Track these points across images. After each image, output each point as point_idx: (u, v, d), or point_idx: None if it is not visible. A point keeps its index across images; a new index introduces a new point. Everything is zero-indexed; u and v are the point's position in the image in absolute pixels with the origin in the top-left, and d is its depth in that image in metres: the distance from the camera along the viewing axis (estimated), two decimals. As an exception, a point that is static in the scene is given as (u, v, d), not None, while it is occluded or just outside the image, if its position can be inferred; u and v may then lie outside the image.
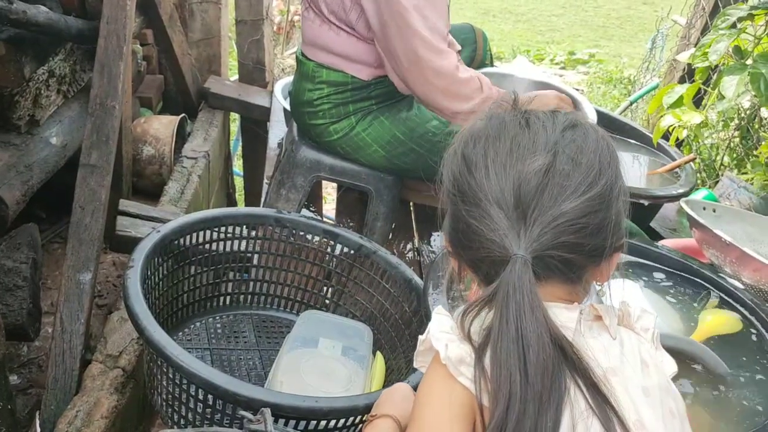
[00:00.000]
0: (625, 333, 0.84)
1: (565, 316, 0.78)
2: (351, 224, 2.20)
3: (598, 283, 0.85)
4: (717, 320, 1.45)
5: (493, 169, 0.79)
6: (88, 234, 1.68)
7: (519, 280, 0.74)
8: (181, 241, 1.61)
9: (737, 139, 2.84)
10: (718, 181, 2.56)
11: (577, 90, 2.49)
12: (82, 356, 1.58)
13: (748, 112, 2.80)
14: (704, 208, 1.83)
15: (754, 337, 1.41)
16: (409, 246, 2.16)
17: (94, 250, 1.66)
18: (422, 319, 1.47)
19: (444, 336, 0.80)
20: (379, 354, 1.60)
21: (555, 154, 0.78)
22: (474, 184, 0.80)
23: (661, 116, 1.97)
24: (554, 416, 0.71)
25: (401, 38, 1.64)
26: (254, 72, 3.15)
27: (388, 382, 1.55)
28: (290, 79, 2.67)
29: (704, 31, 2.72)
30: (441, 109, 1.74)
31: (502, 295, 0.75)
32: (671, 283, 1.57)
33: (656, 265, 1.61)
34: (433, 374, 0.80)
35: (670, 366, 0.85)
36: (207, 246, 1.67)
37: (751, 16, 1.78)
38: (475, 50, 2.17)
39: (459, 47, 2.00)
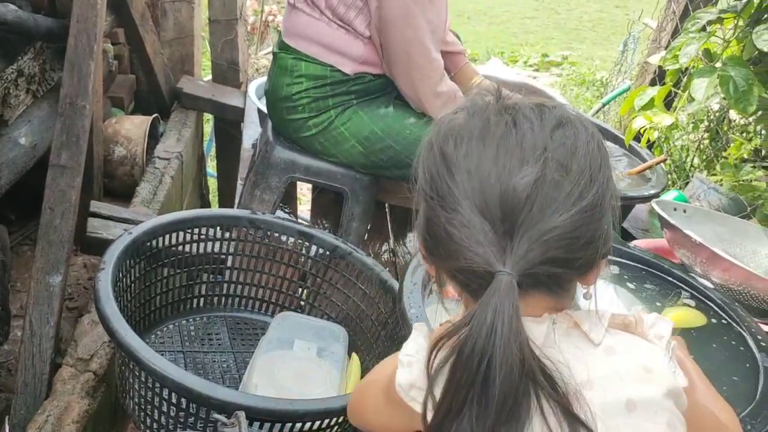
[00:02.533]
0: (625, 338, 0.79)
1: (534, 332, 0.74)
2: (326, 225, 2.19)
3: (583, 287, 0.79)
4: (680, 315, 1.47)
5: (477, 175, 0.72)
6: (58, 236, 1.65)
7: (501, 303, 0.69)
8: (154, 242, 1.59)
9: (706, 141, 2.89)
10: (688, 182, 2.60)
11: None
12: (53, 360, 1.55)
13: (717, 114, 2.85)
14: (675, 209, 1.86)
15: (725, 336, 1.43)
16: (384, 247, 2.16)
17: (64, 252, 1.64)
18: (398, 320, 1.47)
19: (405, 359, 0.81)
20: (354, 355, 1.60)
21: (545, 161, 0.71)
22: (455, 189, 0.73)
23: (633, 118, 1.99)
24: None
25: (401, 39, 1.70)
26: (228, 72, 3.13)
27: (363, 384, 1.54)
28: (265, 79, 2.65)
29: (675, 34, 2.76)
30: (428, 108, 1.82)
31: (478, 318, 0.69)
32: (642, 282, 1.58)
33: (629, 263, 1.63)
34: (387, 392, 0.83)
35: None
36: (180, 248, 1.65)
37: (720, 20, 1.81)
38: None
39: (461, 46, 2.03)
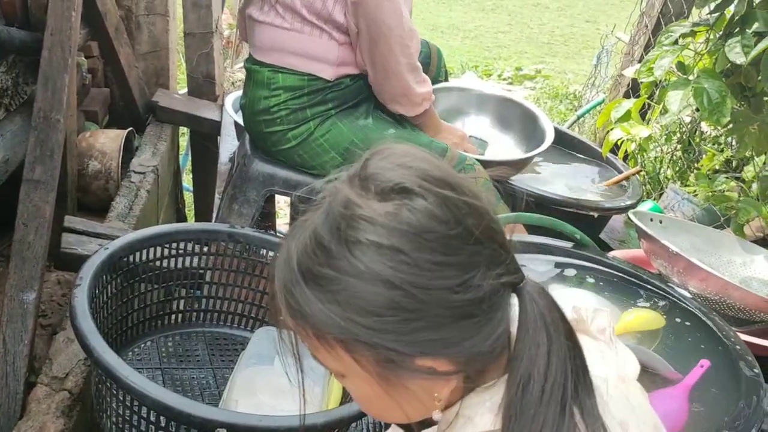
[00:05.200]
0: (588, 344, 0.77)
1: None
2: (305, 239, 2.18)
3: None
4: (639, 318, 1.49)
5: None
6: (32, 252, 1.61)
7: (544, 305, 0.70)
8: (131, 258, 1.57)
9: (679, 153, 2.94)
10: (662, 193, 2.64)
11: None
12: (26, 379, 1.51)
13: (689, 126, 2.90)
14: (651, 220, 1.88)
15: (701, 345, 1.45)
16: (363, 260, 2.15)
17: (38, 269, 1.60)
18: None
19: None
20: (335, 370, 1.58)
21: None
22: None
23: (610, 130, 2.01)
24: None
25: (381, 10, 1.69)
26: (204, 85, 3.10)
27: (345, 399, 1.53)
28: (241, 92, 2.64)
29: (647, 47, 2.81)
30: (406, 88, 1.81)
31: (530, 337, 0.69)
32: (620, 291, 1.60)
33: (607, 270, 1.64)
34: None
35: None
36: (158, 263, 1.63)
37: (693, 33, 1.84)
38: (428, 66, 2.19)
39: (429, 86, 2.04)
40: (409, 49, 1.78)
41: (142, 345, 1.65)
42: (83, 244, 1.94)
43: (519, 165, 2.10)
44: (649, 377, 1.32)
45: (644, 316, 1.50)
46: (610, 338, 0.81)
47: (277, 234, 2.06)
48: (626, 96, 2.81)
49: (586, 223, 1.99)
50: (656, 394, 1.25)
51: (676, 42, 1.85)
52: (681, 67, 1.87)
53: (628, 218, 2.08)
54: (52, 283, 1.97)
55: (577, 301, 1.27)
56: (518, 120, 2.26)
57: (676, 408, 1.22)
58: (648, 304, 1.56)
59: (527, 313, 0.69)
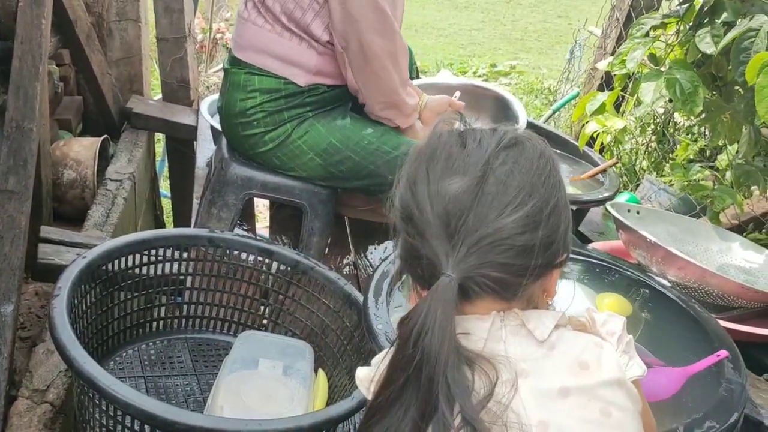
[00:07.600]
0: (572, 337, 0.84)
1: (478, 328, 0.80)
2: (285, 241, 2.17)
3: (549, 300, 0.86)
4: (611, 305, 1.52)
5: (427, 189, 0.81)
6: (8, 263, 1.59)
7: (435, 303, 0.76)
8: (109, 266, 1.55)
9: (654, 144, 2.97)
10: (639, 184, 2.67)
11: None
12: (7, 392, 1.49)
13: (662, 117, 2.93)
14: (629, 211, 1.91)
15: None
16: (345, 260, 2.15)
17: (15, 280, 1.58)
18: (363, 333, 1.46)
19: (374, 360, 0.86)
20: (321, 371, 1.58)
21: (484, 174, 0.79)
22: (415, 206, 0.81)
23: (585, 123, 2.03)
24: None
25: (372, 30, 1.68)
26: (178, 91, 3.08)
27: (331, 400, 1.53)
28: (217, 96, 2.62)
29: (619, 40, 2.83)
30: (399, 103, 1.81)
31: (416, 314, 0.77)
32: (602, 282, 1.61)
33: (588, 261, 1.66)
34: None
35: (636, 369, 0.84)
36: (137, 270, 1.62)
37: (663, 25, 1.87)
38: None
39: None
40: (401, 66, 1.77)
41: (124, 354, 1.63)
42: (60, 254, 1.92)
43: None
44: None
45: (612, 304, 1.52)
46: (618, 342, 0.85)
47: (257, 237, 2.04)
48: (600, 89, 2.84)
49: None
50: (657, 371, 1.27)
51: (647, 34, 1.87)
52: (653, 58, 1.89)
53: (606, 210, 2.10)
54: (29, 294, 1.94)
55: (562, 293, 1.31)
56: (489, 106, 2.27)
57: (664, 383, 1.24)
58: (623, 292, 1.58)
59: (429, 294, 0.80)
